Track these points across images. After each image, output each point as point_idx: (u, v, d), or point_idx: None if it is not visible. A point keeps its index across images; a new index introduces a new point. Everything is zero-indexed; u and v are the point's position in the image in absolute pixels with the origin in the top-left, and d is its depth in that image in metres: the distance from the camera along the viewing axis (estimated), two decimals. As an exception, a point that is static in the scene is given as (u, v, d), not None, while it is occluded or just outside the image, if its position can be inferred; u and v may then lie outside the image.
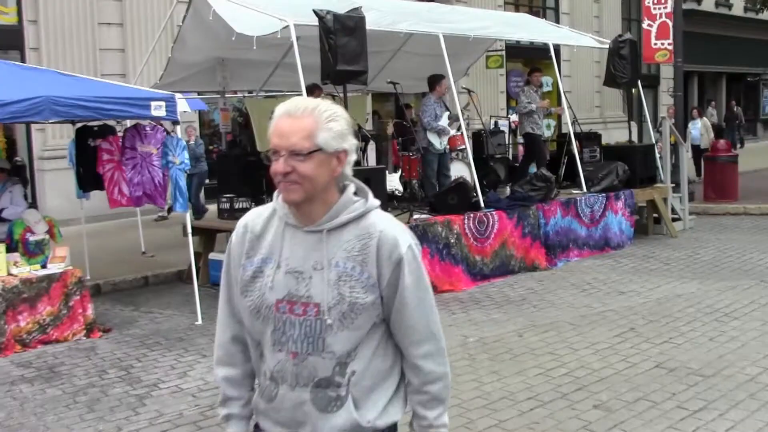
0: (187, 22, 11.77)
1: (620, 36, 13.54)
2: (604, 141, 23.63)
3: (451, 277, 10.27)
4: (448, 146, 12.60)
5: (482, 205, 10.94)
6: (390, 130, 12.14)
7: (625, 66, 13.31)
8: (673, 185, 14.65)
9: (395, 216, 10.00)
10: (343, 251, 2.49)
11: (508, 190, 12.17)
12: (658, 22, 16.85)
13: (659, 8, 16.80)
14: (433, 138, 12.25)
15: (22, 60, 15.64)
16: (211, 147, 18.65)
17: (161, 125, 10.14)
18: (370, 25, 10.65)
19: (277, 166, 2.44)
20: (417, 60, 14.32)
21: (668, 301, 9.21)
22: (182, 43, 12.18)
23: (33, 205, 13.31)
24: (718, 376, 6.58)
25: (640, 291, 9.75)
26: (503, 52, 21.42)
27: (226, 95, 13.50)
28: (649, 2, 16.93)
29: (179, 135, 9.62)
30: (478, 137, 14.88)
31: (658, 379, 6.58)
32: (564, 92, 13.73)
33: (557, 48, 24.98)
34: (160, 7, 16.23)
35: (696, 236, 13.75)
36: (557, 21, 24.64)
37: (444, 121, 12.08)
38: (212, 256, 11.51)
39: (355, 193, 2.55)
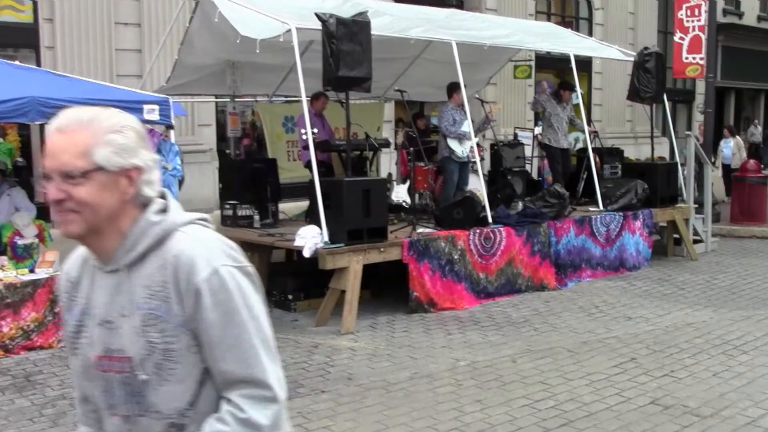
0: (194, 24, 11.50)
1: (646, 48, 13.05)
2: (634, 156, 23.25)
3: (452, 294, 9.87)
4: (470, 155, 12.19)
5: (490, 220, 10.51)
6: (399, 139, 11.74)
7: (650, 80, 12.82)
8: (697, 206, 14.16)
9: (397, 229, 9.69)
10: (145, 288, 2.05)
11: (520, 205, 11.72)
12: (690, 36, 16.34)
13: (692, 21, 16.29)
14: (454, 145, 11.84)
15: (38, 59, 15.52)
16: (227, 151, 18.41)
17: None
18: (381, 31, 10.36)
19: (49, 192, 2.00)
20: (436, 68, 13.96)
21: (677, 330, 8.73)
22: (189, 45, 11.90)
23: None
24: (715, 417, 6.12)
25: (649, 317, 9.28)
26: (532, 63, 20.93)
27: (236, 99, 13.16)
28: (681, 14, 16.42)
29: (173, 140, 9.31)
30: (496, 149, 14.48)
31: (651, 417, 6.14)
32: (582, 104, 13.21)
33: (588, 60, 24.67)
34: (179, 7, 15.97)
35: (717, 260, 13.22)
36: (590, 32, 24.11)
37: (467, 125, 11.66)
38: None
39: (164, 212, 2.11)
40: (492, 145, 14.67)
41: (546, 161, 15.48)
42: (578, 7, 25.47)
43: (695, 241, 13.76)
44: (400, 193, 11.59)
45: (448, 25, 12.19)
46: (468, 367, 7.47)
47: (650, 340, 8.33)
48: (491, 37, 12.02)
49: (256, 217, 11.37)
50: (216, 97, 14.92)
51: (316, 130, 10.42)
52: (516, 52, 15.11)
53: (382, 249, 9.34)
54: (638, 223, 12.39)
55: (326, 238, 9.03)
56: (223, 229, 11.39)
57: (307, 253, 9.06)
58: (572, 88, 13.56)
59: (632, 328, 8.80)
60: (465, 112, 11.81)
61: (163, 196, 2.16)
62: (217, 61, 12.27)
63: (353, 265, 9.07)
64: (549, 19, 21.84)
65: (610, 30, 24.87)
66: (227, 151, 18.48)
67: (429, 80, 13.91)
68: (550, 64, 24.45)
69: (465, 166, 11.89)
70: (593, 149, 14.17)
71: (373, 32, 9.85)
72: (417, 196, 12.66)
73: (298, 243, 9.18)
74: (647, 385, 6.89)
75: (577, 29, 22.27)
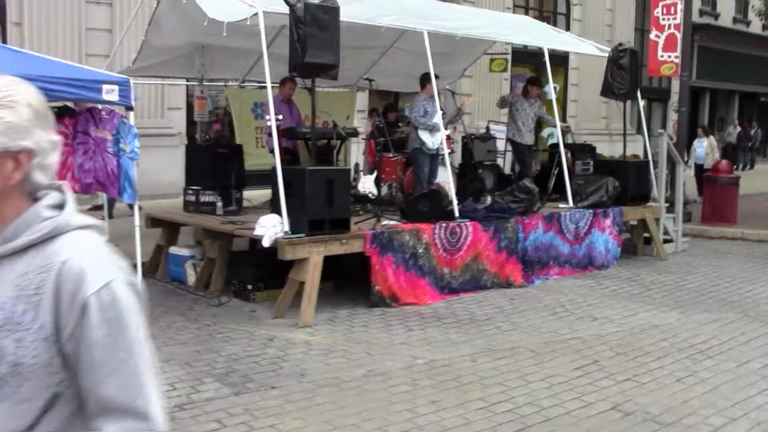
0: (162, 4, 11.18)
1: (620, 44, 12.87)
2: (608, 154, 23.09)
3: (415, 289, 9.64)
4: (440, 147, 11.99)
5: (456, 214, 10.29)
6: (368, 129, 11.49)
7: (624, 76, 12.64)
8: (669, 205, 14.01)
9: (361, 221, 9.46)
10: (14, 288, 1.77)
11: (489, 200, 11.50)
12: (665, 34, 16.18)
13: (668, 19, 16.13)
14: (425, 136, 11.61)
15: (3, 36, 15.16)
16: (196, 136, 18.11)
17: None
18: (351, 18, 10.09)
19: None
20: (409, 58, 13.71)
21: (642, 332, 8.55)
22: (157, 26, 11.58)
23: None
24: (677, 425, 5.93)
25: (615, 318, 9.10)
26: (508, 56, 20.75)
27: (205, 83, 12.85)
28: (657, 12, 16.25)
29: (132, 121, 9.01)
30: (467, 142, 14.27)
31: (611, 424, 5.93)
32: (555, 100, 13.01)
33: (565, 56, 24.51)
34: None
35: (686, 260, 13.07)
36: (567, 28, 23.96)
37: (438, 117, 11.43)
38: (173, 250, 11.03)
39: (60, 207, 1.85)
40: (463, 138, 14.47)
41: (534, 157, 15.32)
42: (556, 3, 25.36)
43: (665, 241, 13.61)
44: (366, 184, 11.31)
45: (422, 15, 11.91)
46: (425, 366, 7.24)
47: (615, 342, 8.14)
48: (464, 28, 11.78)
49: (219, 204, 11.11)
50: (187, 81, 14.61)
51: (281, 117, 10.17)
52: (491, 45, 14.88)
53: (343, 241, 9.09)
54: (608, 221, 12.21)
55: (287, 228, 8.78)
56: (185, 215, 11.15)
57: (266, 243, 8.81)
58: (540, 84, 13.38)
59: (597, 329, 8.61)
60: (436, 104, 11.60)
61: (60, 189, 1.89)
62: (185, 43, 11.97)
63: (313, 256, 8.82)
64: (527, 13, 21.72)
65: (588, 26, 24.77)
66: (195, 136, 18.26)
67: (402, 70, 13.66)
68: (527, 58, 24.26)
69: (435, 159, 11.67)
70: (565, 145, 14.00)
71: (342, 19, 9.59)
72: (384, 187, 12.45)
73: (257, 232, 8.92)
74: (609, 389, 6.69)
75: (554, 24, 22.06)
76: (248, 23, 9.22)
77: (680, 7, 15.71)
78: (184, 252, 10.84)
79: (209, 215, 10.89)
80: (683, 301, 10.05)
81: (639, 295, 10.33)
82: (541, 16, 23.60)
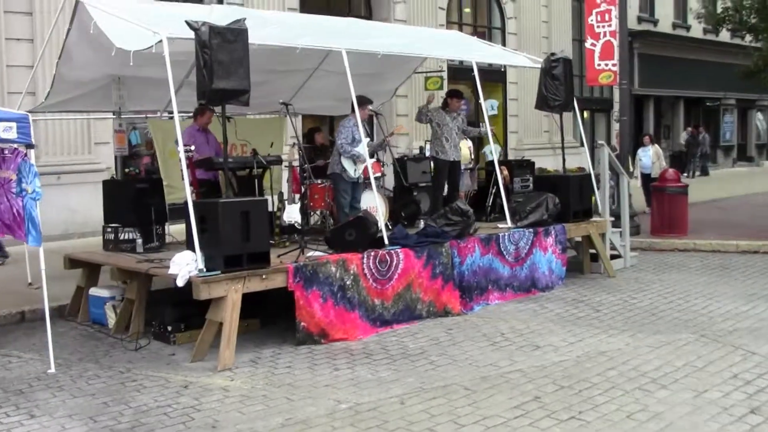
0: (72, 35, 10.47)
1: (552, 54, 12.39)
2: (553, 168, 22.70)
3: (345, 323, 9.01)
4: (362, 175, 11.45)
5: (386, 242, 9.69)
6: (291, 155, 10.88)
7: (558, 87, 12.16)
8: (615, 218, 13.55)
9: (285, 253, 8.82)
10: None
11: (422, 224, 10.93)
12: (601, 42, 15.76)
13: (603, 26, 15.71)
14: (347, 164, 11.08)
15: None
16: (127, 170, 17.39)
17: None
18: (266, 40, 9.53)
19: None
20: (338, 80, 13.14)
21: (589, 360, 7.97)
22: (68, 57, 10.86)
23: None
24: (621, 469, 5.35)
25: (559, 346, 8.52)
26: (443, 74, 20.27)
27: (123, 116, 12.15)
28: (592, 20, 15.83)
29: (32, 160, 8.35)
30: (401, 164, 13.72)
31: (548, 471, 5.34)
32: (487, 115, 12.46)
33: (503, 70, 24.15)
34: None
35: (636, 276, 12.58)
36: (503, 42, 23.66)
37: (363, 147, 10.90)
38: (93, 291, 10.38)
39: None
40: (396, 160, 13.91)
41: (470, 175, 14.77)
42: (491, 17, 25.01)
43: (613, 257, 13.13)
44: (291, 214, 10.72)
45: (345, 34, 11.37)
46: (349, 411, 6.61)
47: (558, 373, 7.56)
48: (387, 46, 11.22)
49: (139, 241, 10.47)
50: (114, 114, 13.90)
51: (192, 148, 9.54)
52: (421, 62, 14.34)
53: (264, 276, 8.45)
54: (550, 240, 11.68)
55: (201, 265, 8.14)
56: (104, 254, 10.49)
57: (180, 282, 8.19)
58: (459, 96, 12.81)
59: (539, 359, 8.03)
60: (365, 130, 11.09)
61: None
62: (101, 75, 11.24)
63: (231, 294, 8.17)
64: (461, 29, 21.26)
65: (524, 39, 24.45)
66: (127, 170, 17.51)
67: (331, 93, 13.08)
68: (463, 75, 23.75)
69: (357, 185, 11.11)
70: (502, 162, 13.53)
71: (257, 42, 9.04)
72: (315, 216, 11.85)
73: (171, 270, 8.31)
74: (550, 430, 6.10)
75: (490, 39, 21.72)
76: (153, 51, 8.59)
77: (615, 13, 15.32)
78: (104, 293, 10.20)
79: (129, 253, 10.27)
80: (633, 323, 9.51)
81: (585, 318, 9.78)
82: (476, 32, 23.23)
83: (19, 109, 10.71)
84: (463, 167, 14.56)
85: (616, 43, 15.60)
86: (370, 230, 9.44)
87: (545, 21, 25.76)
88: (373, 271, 9.32)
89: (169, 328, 9.08)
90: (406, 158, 13.84)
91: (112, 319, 9.85)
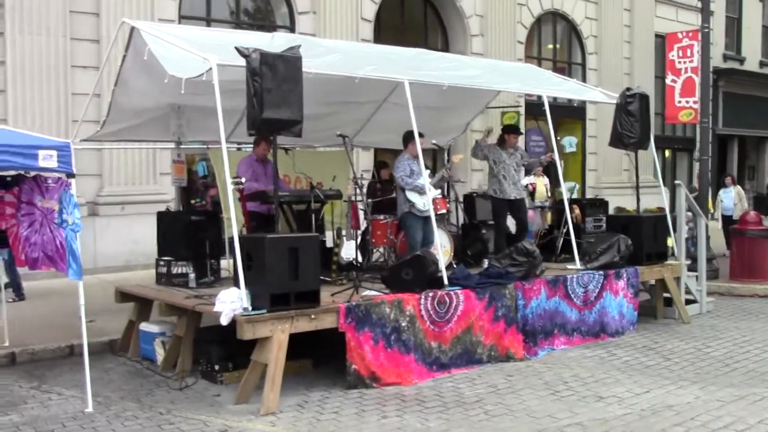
0: (128, 62, 10.32)
1: (628, 89, 11.83)
2: (632, 208, 21.97)
3: (399, 367, 8.57)
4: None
5: (446, 282, 9.23)
6: (350, 190, 10.52)
7: (633, 124, 11.61)
8: (691, 261, 12.87)
9: (339, 292, 8.43)
10: None
11: (486, 263, 10.45)
12: (682, 78, 15.20)
13: (684, 62, 15.15)
14: (414, 197, 10.65)
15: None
16: (193, 201, 17.27)
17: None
18: (324, 69, 9.24)
19: None
20: (407, 112, 12.82)
21: (654, 415, 7.39)
22: (124, 85, 10.72)
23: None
24: None
25: (624, 396, 7.95)
26: (520, 108, 19.84)
27: (182, 146, 11.95)
28: (673, 55, 15.26)
29: (73, 190, 8.10)
30: (469, 200, 13.28)
31: None
32: (559, 152, 11.89)
33: (584, 106, 23.58)
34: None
35: (712, 323, 11.88)
36: (584, 78, 23.08)
37: (424, 180, 10.50)
38: (144, 326, 10.11)
39: None
40: (465, 197, 13.48)
41: (532, 213, 14.21)
42: (571, 52, 24.45)
43: (688, 302, 12.46)
44: (349, 250, 10.34)
45: (411, 65, 11.00)
46: (391, 466, 6.16)
47: (620, 428, 7.01)
48: (454, 77, 10.82)
49: (192, 276, 10.19)
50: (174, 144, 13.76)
51: (244, 180, 9.24)
52: (495, 96, 13.94)
53: (312, 316, 8.06)
54: (621, 283, 11.08)
55: (246, 304, 7.79)
56: (156, 288, 10.25)
57: (223, 321, 7.84)
58: (516, 131, 12.21)
59: (601, 412, 7.47)
60: (421, 163, 10.68)
61: None
62: (159, 103, 11.05)
63: (277, 334, 7.81)
64: (539, 64, 20.75)
65: (605, 75, 23.82)
66: (193, 201, 17.37)
67: (398, 126, 12.69)
68: (541, 110, 23.23)
69: (428, 221, 10.65)
70: (574, 201, 12.99)
71: (312, 70, 8.75)
72: (377, 252, 11.47)
73: (217, 308, 7.95)
74: (605, 493, 5.57)
75: (570, 75, 21.21)
76: (204, 78, 8.34)
77: (697, 48, 14.67)
78: (154, 328, 9.92)
79: (181, 288, 9.99)
80: (705, 374, 8.87)
81: (654, 367, 9.17)
82: (555, 67, 22.74)
83: (74, 138, 10.65)
84: (539, 204, 14.06)
85: (697, 79, 14.95)
86: (428, 269, 9.00)
87: (627, 57, 25.11)
88: (431, 312, 8.87)
89: (217, 367, 8.77)
90: (475, 194, 13.39)
91: (161, 355, 9.59)
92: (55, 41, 15.12)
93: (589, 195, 23.13)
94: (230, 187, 8.26)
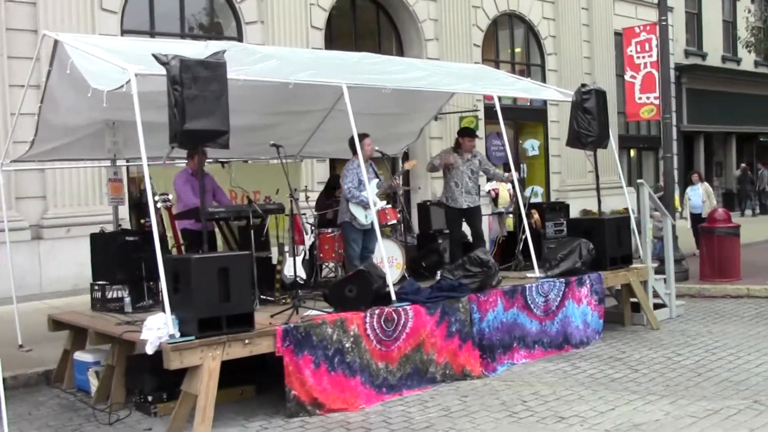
0: (54, 78, 9.64)
1: (584, 86, 11.28)
2: (595, 210, 21.47)
3: (344, 391, 7.93)
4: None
5: (393, 297, 8.61)
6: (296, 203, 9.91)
7: (591, 122, 11.07)
8: (659, 263, 12.36)
9: (278, 313, 7.80)
10: None
11: (439, 275, 9.85)
12: (642, 73, 14.71)
13: (643, 57, 14.66)
14: (356, 211, 10.08)
15: None
16: (143, 221, 16.55)
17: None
18: (258, 76, 8.63)
19: None
20: (356, 119, 12.22)
21: (618, 435, 6.81)
22: (52, 102, 10.02)
23: None
24: None
25: (587, 416, 7.35)
26: (479, 113, 19.28)
27: (117, 163, 11.27)
28: (631, 50, 14.76)
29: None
30: (424, 209, 12.70)
31: None
32: (509, 157, 11.29)
33: (544, 109, 23.11)
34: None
35: (683, 328, 11.33)
36: (543, 78, 22.61)
37: (372, 190, 9.93)
38: (78, 355, 9.44)
39: None
40: (419, 205, 12.91)
41: (491, 220, 13.65)
42: (529, 54, 23.98)
43: (658, 306, 11.92)
44: (292, 267, 9.73)
45: (354, 70, 10.40)
46: None
47: (580, 452, 6.41)
48: (400, 81, 10.22)
49: (128, 300, 9.53)
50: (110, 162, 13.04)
51: (170, 196, 8.61)
52: (448, 99, 13.33)
53: (247, 341, 7.43)
54: (584, 290, 10.52)
55: (172, 330, 7.15)
56: (90, 315, 9.60)
57: (149, 349, 7.22)
58: (471, 134, 11.63)
59: (561, 434, 6.89)
60: (374, 170, 10.12)
61: None
62: (91, 120, 10.37)
63: (207, 362, 7.17)
64: (498, 67, 20.25)
65: (565, 75, 23.37)
66: (143, 221, 16.64)
67: (349, 135, 12.11)
68: (503, 114, 22.74)
69: (370, 232, 10.06)
70: (533, 205, 12.43)
71: (242, 77, 8.16)
72: (327, 269, 10.86)
73: (144, 335, 7.31)
74: None
75: (529, 76, 20.68)
76: (123, 89, 7.70)
77: (655, 42, 14.16)
78: (88, 358, 9.25)
79: (117, 313, 9.35)
80: (675, 386, 8.29)
81: (621, 380, 8.59)
82: (514, 70, 22.25)
83: (3, 159, 9.97)
84: (502, 209, 13.48)
85: (657, 74, 14.43)
86: (373, 285, 8.38)
87: (587, 57, 24.65)
88: (378, 331, 8.26)
89: (150, 398, 8.15)
90: (429, 203, 12.80)
91: (94, 386, 8.93)
92: (-7, 60, 14.44)
93: (553, 198, 22.60)
94: (152, 204, 7.64)
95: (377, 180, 10.28)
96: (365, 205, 9.88)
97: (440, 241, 12.26)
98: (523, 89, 12.25)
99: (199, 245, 9.16)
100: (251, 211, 9.19)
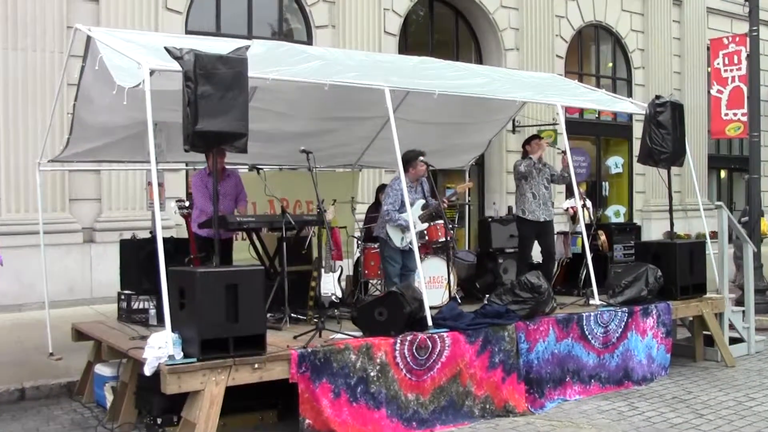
0: (87, 75, 9.14)
1: (658, 97, 10.31)
2: (684, 232, 20.30)
3: (367, 424, 7.17)
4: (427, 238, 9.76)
5: (429, 323, 7.82)
6: (330, 215, 9.13)
7: (665, 137, 10.10)
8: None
9: (301, 335, 7.01)
10: None
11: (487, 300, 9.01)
12: (729, 88, 13.68)
13: (731, 70, 13.62)
14: (393, 233, 9.32)
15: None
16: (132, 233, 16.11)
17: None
18: (288, 76, 7.97)
19: None
20: (417, 129, 11.56)
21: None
22: (87, 101, 9.52)
23: None
24: None
25: (634, 468, 6.45)
26: (558, 126, 18.31)
27: (160, 167, 10.70)
28: (718, 63, 13.67)
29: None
30: (484, 226, 11.87)
31: None
32: (571, 172, 10.28)
33: (630, 125, 22.02)
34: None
35: (761, 367, 10.24)
36: (629, 94, 21.50)
37: (416, 212, 9.21)
38: (98, 369, 8.86)
39: None
40: (480, 222, 12.09)
41: (564, 240, 12.62)
42: (615, 68, 22.90)
43: (736, 340, 10.85)
44: (328, 285, 9.01)
45: (407, 74, 9.67)
46: None
47: None
48: (456, 87, 9.45)
49: (153, 311, 8.95)
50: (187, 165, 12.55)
51: (187, 203, 7.99)
52: (518, 109, 12.50)
53: (256, 365, 6.73)
54: (650, 321, 9.55)
55: (171, 351, 6.50)
56: (111, 326, 9.08)
57: (147, 370, 6.59)
58: (538, 137, 10.74)
59: (601, 489, 6.00)
60: (423, 189, 9.39)
61: None
62: (131, 119, 9.86)
63: (210, 387, 6.50)
64: (581, 80, 19.21)
65: (653, 91, 22.09)
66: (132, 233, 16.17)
67: (410, 145, 11.38)
68: (586, 129, 21.82)
69: (409, 253, 9.28)
70: (601, 226, 11.49)
71: (270, 77, 7.53)
72: (372, 287, 10.14)
73: (146, 354, 6.68)
74: None
75: (614, 91, 19.64)
76: (140, 86, 7.12)
77: (745, 55, 13.04)
78: (106, 372, 8.67)
79: (141, 325, 8.80)
80: (743, 436, 7.32)
81: (681, 427, 7.61)
82: (598, 83, 21.21)
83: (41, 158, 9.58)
84: (567, 229, 12.58)
85: (746, 89, 13.30)
86: (405, 308, 7.58)
87: (677, 71, 23.39)
88: (409, 359, 7.48)
89: (159, 420, 7.49)
90: (490, 219, 11.95)
91: (110, 402, 8.35)
92: (51, 57, 14.10)
93: (636, 220, 21.45)
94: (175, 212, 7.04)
95: (423, 201, 9.51)
96: (403, 229, 9.13)
97: (501, 261, 11.45)
98: (595, 100, 11.30)
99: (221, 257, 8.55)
100: (285, 223, 8.52)
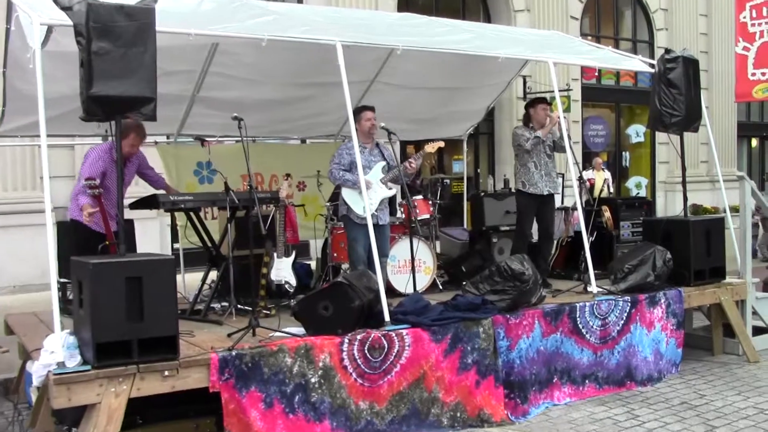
0: (14, 39, 7.99)
1: (668, 52, 9.03)
2: (712, 205, 18.92)
3: (306, 443, 6.05)
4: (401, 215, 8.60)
5: (387, 317, 6.67)
6: (284, 192, 7.91)
7: (677, 97, 8.85)
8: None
9: (234, 332, 5.65)
10: None
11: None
12: (757, 44, 12.22)
13: (759, 24, 12.13)
14: (350, 198, 8.10)
15: None
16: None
17: None
18: (222, 32, 6.87)
19: None
20: (405, 95, 10.50)
21: None
22: (19, 68, 8.36)
23: None
24: None
25: (620, 498, 5.27)
26: (571, 92, 17.07)
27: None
28: (744, 17, 12.25)
29: None
30: (477, 202, 10.69)
31: None
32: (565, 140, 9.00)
33: (648, 91, 20.59)
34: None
35: (788, 362, 9.02)
36: (652, 56, 20.08)
37: (376, 174, 8.03)
38: (29, 367, 7.68)
39: None
40: (472, 197, 10.91)
41: (564, 216, 11.36)
42: (636, 29, 21.46)
43: (761, 330, 9.59)
44: (281, 271, 7.87)
45: (379, 32, 8.44)
46: None
47: None
48: (432, 43, 8.22)
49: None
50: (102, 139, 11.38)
51: (97, 181, 6.87)
52: (516, 71, 11.24)
53: (166, 372, 5.61)
54: (658, 311, 8.31)
55: (61, 357, 5.42)
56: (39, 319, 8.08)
57: (35, 380, 5.54)
58: (545, 102, 9.51)
59: None
60: (382, 152, 8.22)
61: None
62: (77, 90, 8.71)
63: (108, 400, 5.42)
64: (599, 42, 17.87)
65: (677, 54, 20.76)
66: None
67: (396, 112, 10.21)
68: (603, 95, 20.49)
69: (383, 228, 8.12)
70: (603, 200, 10.27)
71: (192, 30, 6.41)
72: (333, 271, 9.00)
73: (39, 360, 5.62)
74: None
75: (635, 53, 18.27)
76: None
77: (775, 6, 11.72)
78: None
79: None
80: (757, 450, 6.12)
81: (686, 439, 6.44)
82: (617, 46, 19.82)
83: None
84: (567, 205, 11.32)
85: (776, 45, 11.97)
86: (354, 302, 6.43)
87: (704, 33, 21.94)
88: (360, 362, 6.33)
89: (74, 430, 6.40)
90: (483, 194, 10.76)
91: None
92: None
93: (659, 192, 20.12)
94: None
95: (384, 163, 8.28)
96: (359, 188, 7.82)
97: (495, 240, 10.28)
98: (598, 58, 9.97)
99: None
100: (229, 200, 7.40)
